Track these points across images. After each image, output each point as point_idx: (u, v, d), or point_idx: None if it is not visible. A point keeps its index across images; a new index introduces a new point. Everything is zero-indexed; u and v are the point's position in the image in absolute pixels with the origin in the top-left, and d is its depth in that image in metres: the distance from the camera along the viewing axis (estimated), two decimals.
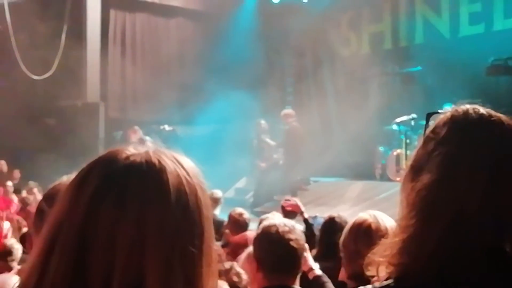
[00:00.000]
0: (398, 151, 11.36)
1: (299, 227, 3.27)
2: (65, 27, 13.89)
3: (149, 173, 1.06)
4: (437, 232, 1.27)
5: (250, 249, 4.34)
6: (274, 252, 2.89)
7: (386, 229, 2.54)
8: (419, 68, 12.86)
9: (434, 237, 1.27)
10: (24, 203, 9.12)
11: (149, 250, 1.01)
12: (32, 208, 7.27)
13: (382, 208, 8.79)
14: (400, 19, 14.03)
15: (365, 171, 12.33)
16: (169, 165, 1.08)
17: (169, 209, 1.04)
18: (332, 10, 14.26)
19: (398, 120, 11.46)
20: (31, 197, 9.32)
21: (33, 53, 12.99)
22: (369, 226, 2.59)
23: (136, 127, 12.49)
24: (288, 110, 12.54)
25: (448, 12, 13.18)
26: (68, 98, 13.39)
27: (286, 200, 7.28)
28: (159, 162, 1.07)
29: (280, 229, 2.92)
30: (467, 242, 1.26)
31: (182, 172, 1.08)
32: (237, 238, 6.06)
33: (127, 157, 1.08)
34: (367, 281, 1.40)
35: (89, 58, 14.04)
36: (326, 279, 3.45)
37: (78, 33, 13.86)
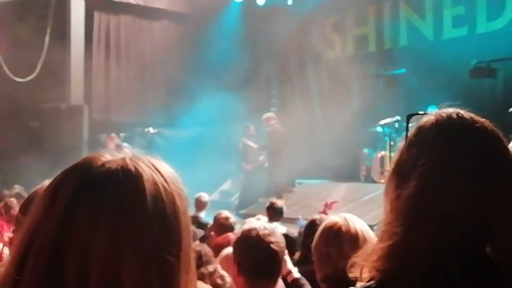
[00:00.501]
0: (383, 153, 11.43)
1: (281, 230, 3.26)
2: (48, 29, 13.79)
3: (125, 181, 1.04)
4: (423, 240, 1.28)
5: (226, 250, 4.34)
6: (254, 255, 2.86)
7: (357, 231, 2.54)
8: (403, 70, 12.93)
9: (420, 245, 1.28)
10: (6, 207, 9.02)
11: (125, 259, 0.99)
12: (15, 212, 7.21)
13: (366, 209, 8.88)
14: (384, 22, 14.11)
15: (349, 173, 12.39)
16: (146, 172, 1.05)
17: (145, 218, 1.02)
18: (316, 13, 14.30)
19: (382, 122, 11.53)
20: (14, 201, 9.23)
21: (16, 55, 12.88)
22: (339, 229, 2.57)
23: (113, 134, 12.44)
24: (269, 114, 12.61)
25: (432, 15, 13.28)
26: (52, 101, 13.28)
27: (271, 203, 7.30)
28: (136, 169, 1.05)
29: (261, 232, 2.89)
30: (452, 249, 1.27)
31: (159, 179, 1.06)
32: (219, 239, 6.05)
33: (103, 164, 1.06)
34: (339, 283, 1.41)
35: (73, 60, 13.94)
36: (304, 281, 3.44)
37: (62, 35, 13.76)
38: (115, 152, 1.10)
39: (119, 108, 14.88)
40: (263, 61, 15.56)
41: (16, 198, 9.74)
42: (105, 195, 1.01)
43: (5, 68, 13.19)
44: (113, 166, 1.05)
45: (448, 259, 1.27)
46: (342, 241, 2.51)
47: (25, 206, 1.91)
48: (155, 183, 1.04)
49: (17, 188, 10.18)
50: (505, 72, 11.94)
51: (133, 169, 1.05)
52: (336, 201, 6.26)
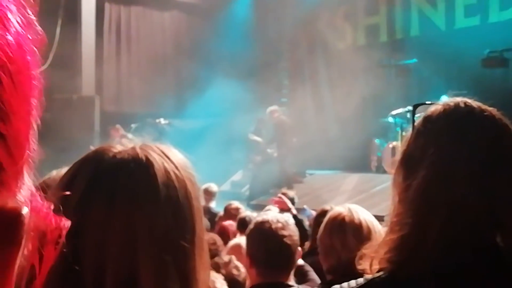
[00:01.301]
0: (394, 143, 11.38)
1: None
2: (59, 21, 13.83)
3: (137, 171, 1.05)
4: (434, 231, 1.27)
5: (233, 241, 4.34)
6: (267, 249, 2.84)
7: (360, 222, 2.52)
8: (415, 60, 12.88)
9: (431, 235, 1.27)
10: None
11: (141, 247, 1.01)
12: None
13: (378, 200, 8.87)
14: (396, 12, 14.04)
15: (361, 164, 12.37)
16: (157, 160, 1.06)
17: (159, 206, 1.03)
18: (327, 3, 14.25)
19: (394, 112, 11.49)
20: None
21: None
22: (343, 220, 2.56)
23: (118, 126, 12.49)
24: (272, 107, 12.66)
25: (444, 4, 13.19)
26: (63, 92, 13.32)
27: (282, 193, 7.32)
28: (146, 158, 1.06)
29: (273, 226, 2.86)
30: (463, 240, 1.27)
31: (170, 166, 1.07)
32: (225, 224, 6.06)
33: (114, 155, 1.07)
34: (344, 275, 1.40)
35: (84, 51, 13.99)
36: (308, 268, 3.47)
37: (72, 27, 13.80)
38: (126, 142, 1.11)
39: (130, 99, 14.93)
40: (273, 51, 15.53)
41: None
42: (118, 186, 1.03)
43: None
44: (124, 156, 1.06)
45: (459, 249, 1.26)
46: (346, 231, 2.50)
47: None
48: (166, 171, 1.05)
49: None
50: None
51: (144, 158, 1.06)
52: (283, 201, 6.01)
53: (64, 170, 1.56)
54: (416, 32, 13.72)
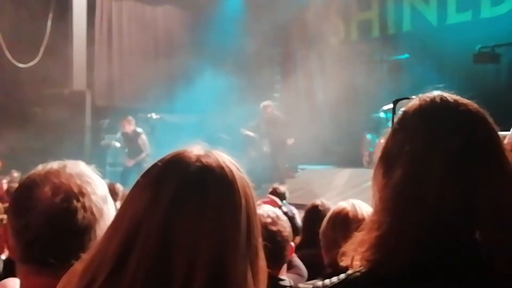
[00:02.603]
0: None
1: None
2: (51, 15, 13.79)
3: (224, 178, 1.15)
4: (411, 229, 1.27)
5: None
6: None
7: (364, 217, 2.54)
8: (407, 55, 12.91)
9: (408, 233, 1.27)
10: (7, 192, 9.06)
11: (229, 249, 1.11)
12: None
13: (369, 195, 8.84)
14: (388, 7, 14.08)
15: (352, 159, 12.40)
16: (232, 168, 1.18)
17: (241, 211, 1.14)
18: None
19: (385, 107, 11.49)
20: (14, 186, 9.25)
21: (19, 41, 12.88)
22: (346, 215, 2.61)
23: (130, 117, 12.44)
24: (265, 102, 12.63)
25: None
26: (54, 86, 13.30)
27: (273, 188, 7.33)
28: (227, 165, 1.17)
29: (262, 220, 2.82)
30: (440, 236, 1.26)
31: (240, 174, 1.18)
32: None
33: (198, 159, 1.16)
34: (345, 269, 1.40)
35: (75, 46, 13.94)
36: (297, 262, 3.53)
37: (64, 21, 13.76)
38: (195, 145, 1.21)
39: (122, 94, 14.91)
40: (266, 46, 15.53)
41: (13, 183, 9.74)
42: (208, 191, 1.13)
43: (7, 53, 13.19)
44: (209, 161, 1.16)
45: (436, 247, 1.26)
46: (349, 226, 2.47)
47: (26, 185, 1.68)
48: (241, 178, 1.17)
49: (15, 173, 10.19)
50: (509, 57, 11.93)
51: (225, 166, 1.17)
52: (271, 200, 6.06)
53: (51, 164, 1.58)
54: (408, 28, 13.76)
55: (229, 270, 1.10)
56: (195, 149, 1.19)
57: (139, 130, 12.30)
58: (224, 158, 1.19)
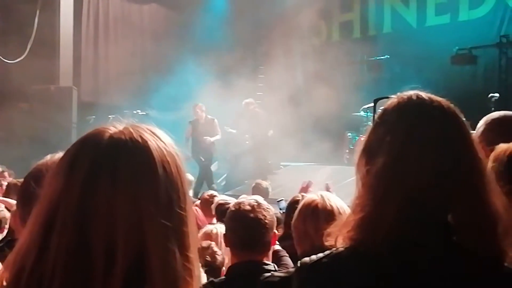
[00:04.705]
0: None
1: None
2: (38, 12, 13.80)
3: (135, 150, 1.12)
4: (391, 211, 1.39)
5: (205, 228, 4.40)
6: (237, 229, 2.97)
7: (332, 208, 2.56)
8: (387, 56, 13.14)
9: (389, 215, 1.39)
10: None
11: (147, 221, 1.08)
12: (1, 190, 7.31)
13: (350, 191, 9.00)
14: (369, 9, 14.29)
15: (334, 156, 12.58)
16: (150, 139, 1.14)
17: (158, 181, 1.11)
18: None
19: (365, 106, 11.73)
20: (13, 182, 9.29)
21: (6, 37, 12.90)
22: (316, 206, 2.59)
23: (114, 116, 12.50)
24: (248, 100, 12.69)
25: (416, 2, 13.50)
26: (41, 83, 13.32)
27: (256, 183, 7.51)
28: (141, 137, 1.13)
29: (242, 207, 2.98)
30: (417, 219, 1.42)
31: (161, 144, 1.15)
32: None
33: (111, 136, 1.13)
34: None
35: (62, 42, 13.95)
36: (284, 253, 3.58)
37: (51, 18, 13.77)
38: (117, 123, 1.18)
39: (108, 90, 14.87)
40: (249, 46, 15.67)
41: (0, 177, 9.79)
42: (120, 165, 1.10)
43: None
44: (121, 136, 1.13)
45: (414, 228, 1.40)
46: (319, 217, 2.51)
47: (35, 175, 1.86)
48: (160, 149, 1.14)
49: (1, 168, 10.25)
50: (486, 59, 12.19)
51: (139, 138, 1.13)
52: (310, 181, 6.22)
53: (58, 155, 1.65)
54: (388, 29, 14.00)
55: (150, 242, 1.08)
56: (114, 127, 1.16)
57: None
58: (143, 131, 1.16)
